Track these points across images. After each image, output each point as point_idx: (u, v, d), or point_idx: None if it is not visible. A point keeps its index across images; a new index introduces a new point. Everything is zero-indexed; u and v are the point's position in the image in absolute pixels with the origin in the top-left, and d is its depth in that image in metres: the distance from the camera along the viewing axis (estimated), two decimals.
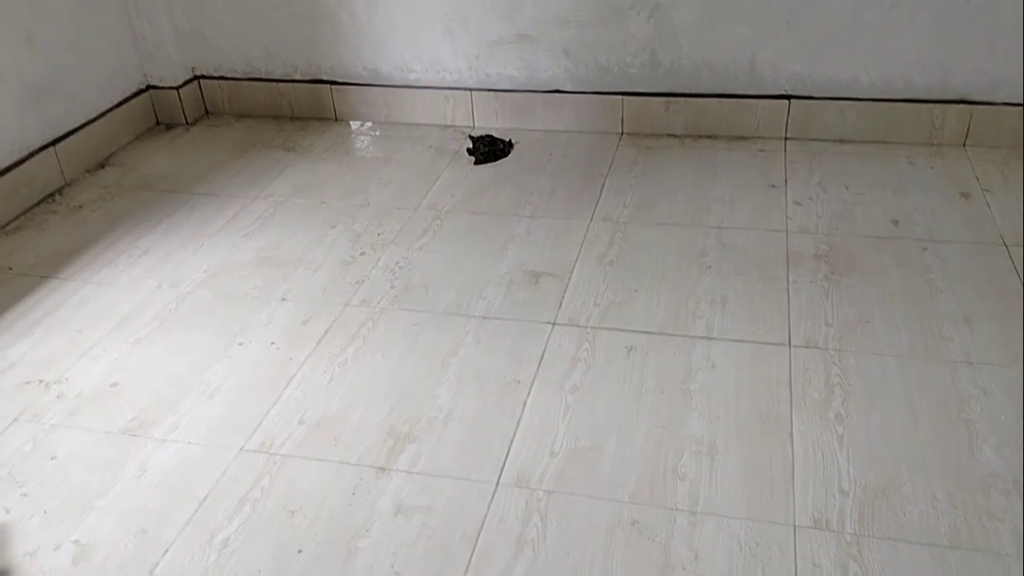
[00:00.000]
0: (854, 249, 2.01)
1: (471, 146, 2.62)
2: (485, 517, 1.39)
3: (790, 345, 1.72)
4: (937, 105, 2.41)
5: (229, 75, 2.89)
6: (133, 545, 1.37)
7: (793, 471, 1.43)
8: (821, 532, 1.32)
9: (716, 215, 2.19)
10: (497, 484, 1.44)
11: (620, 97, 2.62)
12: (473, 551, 1.33)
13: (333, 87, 2.82)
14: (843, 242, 2.04)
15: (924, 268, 1.93)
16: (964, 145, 2.43)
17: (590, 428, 1.55)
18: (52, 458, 1.55)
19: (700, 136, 2.60)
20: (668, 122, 2.61)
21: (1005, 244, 1.99)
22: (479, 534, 1.36)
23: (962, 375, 1.61)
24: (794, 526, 1.34)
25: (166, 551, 1.36)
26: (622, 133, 2.65)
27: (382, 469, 1.49)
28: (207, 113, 2.95)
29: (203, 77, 2.91)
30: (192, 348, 1.82)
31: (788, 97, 2.50)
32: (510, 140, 2.65)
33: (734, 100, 2.54)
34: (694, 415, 1.56)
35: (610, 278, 1.96)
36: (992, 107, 2.38)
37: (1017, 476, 1.39)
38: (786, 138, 2.54)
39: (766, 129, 2.55)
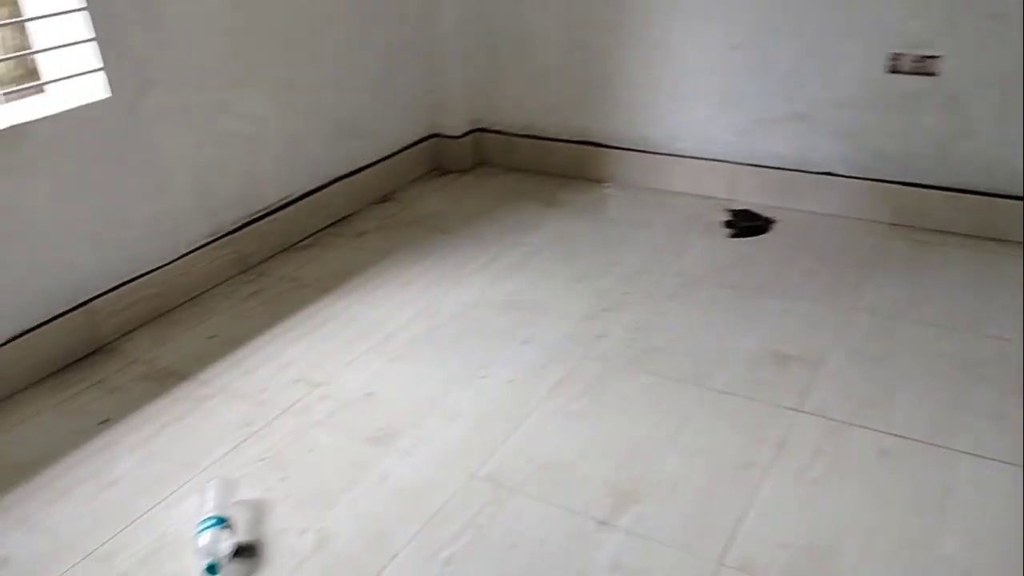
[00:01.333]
0: None
1: (729, 219, 2.59)
2: None
3: None
4: None
5: (506, 130, 3.09)
6: (367, 544, 1.47)
7: None
8: None
9: (999, 325, 1.99)
10: (720, 564, 1.39)
11: (899, 187, 2.47)
12: None
13: (600, 149, 2.92)
14: None
15: None
16: None
17: (829, 527, 1.45)
18: (310, 451, 1.71)
19: (987, 238, 2.38)
20: (950, 219, 2.43)
21: None
22: None
23: None
24: None
25: (395, 556, 1.44)
26: (896, 224, 2.50)
27: (603, 523, 1.48)
28: (481, 163, 3.17)
29: (482, 130, 3.13)
30: (440, 373, 1.93)
31: None
32: (770, 217, 2.59)
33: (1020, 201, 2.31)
34: (949, 536, 1.41)
35: (867, 373, 1.84)
36: None
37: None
38: None
39: None
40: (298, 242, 2.62)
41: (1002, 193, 2.35)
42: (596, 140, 2.93)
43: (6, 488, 1.65)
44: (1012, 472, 1.54)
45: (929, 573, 1.35)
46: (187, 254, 2.29)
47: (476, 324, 2.13)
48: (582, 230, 2.61)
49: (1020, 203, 2.32)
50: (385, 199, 2.91)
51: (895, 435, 1.65)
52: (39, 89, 2.01)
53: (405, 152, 3.01)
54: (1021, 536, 1.40)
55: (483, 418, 1.78)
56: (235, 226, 2.42)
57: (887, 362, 1.88)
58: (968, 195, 2.39)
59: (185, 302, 2.29)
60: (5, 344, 1.91)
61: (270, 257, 2.52)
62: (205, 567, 1.39)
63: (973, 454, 1.59)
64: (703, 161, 2.76)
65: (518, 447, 1.69)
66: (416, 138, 3.06)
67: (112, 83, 2.01)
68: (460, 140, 3.09)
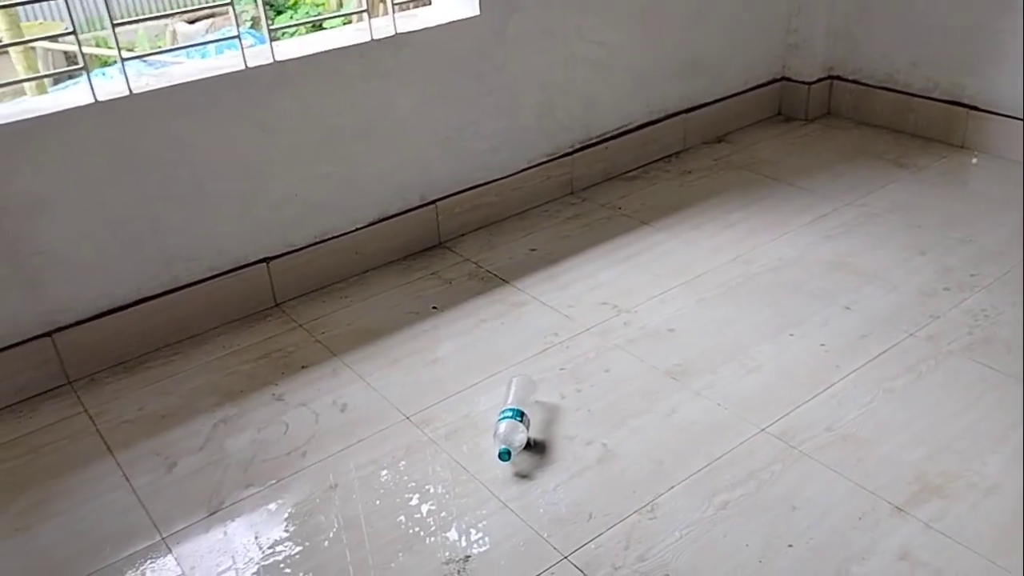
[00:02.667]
0: None
1: None
2: None
3: None
4: None
5: (863, 80, 2.85)
6: (646, 469, 1.51)
7: None
8: None
9: None
10: None
11: None
12: None
13: (971, 112, 2.60)
14: None
15: None
16: None
17: None
18: (606, 371, 1.78)
19: None
20: None
21: None
22: None
23: None
24: None
25: (671, 487, 1.47)
26: None
27: (899, 509, 1.38)
28: (828, 114, 2.97)
29: (837, 78, 2.92)
30: (746, 322, 1.90)
31: None
32: None
33: None
34: None
35: None
36: None
37: None
38: None
39: None
40: (625, 172, 2.67)
41: None
42: (970, 102, 2.60)
43: (354, 347, 1.92)
44: None
45: None
46: (524, 170, 2.44)
47: (794, 280, 2.04)
48: (932, 199, 2.36)
49: None
50: (720, 140, 2.85)
51: None
52: (427, 2, 2.24)
53: (748, 94, 2.90)
54: None
55: (785, 375, 1.72)
56: (571, 149, 2.53)
57: None
58: None
59: (514, 215, 2.46)
60: (369, 227, 2.20)
61: (597, 183, 2.61)
62: (500, 451, 1.53)
63: None
64: None
65: (818, 412, 1.61)
66: (762, 80, 2.93)
67: (482, 2, 2.17)
68: (811, 87, 2.91)
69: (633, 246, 2.25)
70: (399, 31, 2.08)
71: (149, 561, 1.41)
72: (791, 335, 1.84)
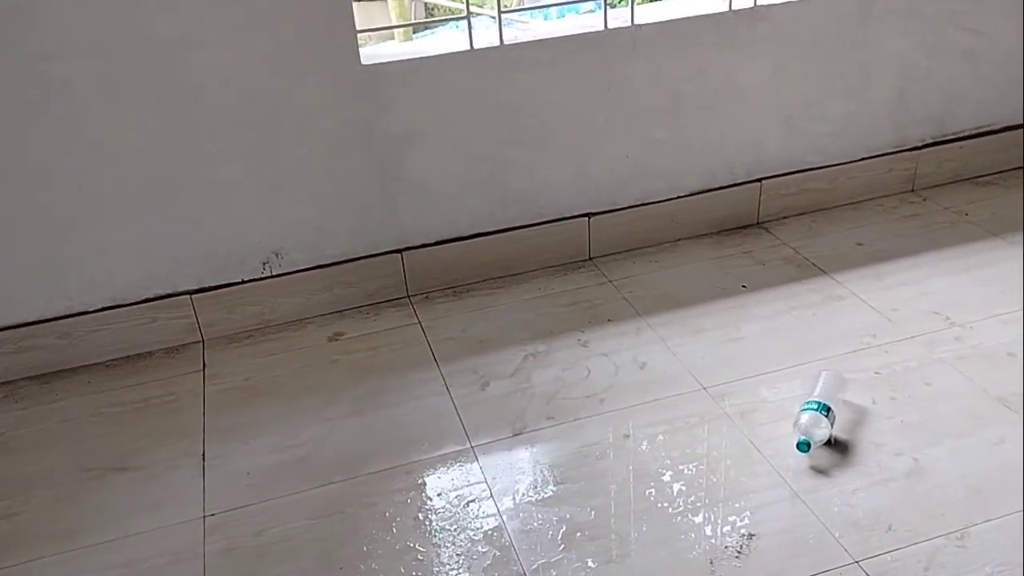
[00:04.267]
0: None
1: None
2: None
3: None
4: None
5: None
6: (961, 495, 1.40)
7: None
8: None
9: None
10: None
11: None
12: None
13: None
14: None
15: None
16: None
17: None
18: (927, 384, 1.66)
19: None
20: None
21: None
22: None
23: None
24: None
25: (988, 520, 1.35)
26: None
27: None
28: None
29: None
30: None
31: None
32: None
33: None
34: None
35: None
36: None
37: None
38: None
39: None
40: (979, 176, 2.42)
41: None
42: None
43: (658, 311, 1.97)
44: None
45: None
46: (864, 159, 2.31)
47: None
48: None
49: None
50: None
51: None
52: None
53: None
54: None
55: None
56: (920, 143, 2.34)
57: None
58: None
59: (844, 205, 2.34)
60: (690, 196, 2.22)
61: (944, 184, 2.39)
62: (798, 441, 1.50)
63: None
64: None
65: None
66: None
67: None
68: None
69: (977, 256, 2.05)
70: (759, 3, 2.04)
71: (458, 464, 1.57)
72: None
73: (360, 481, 1.55)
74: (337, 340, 1.96)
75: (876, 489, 1.43)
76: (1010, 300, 1.88)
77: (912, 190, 2.38)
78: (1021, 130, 2.40)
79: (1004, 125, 2.38)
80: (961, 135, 2.36)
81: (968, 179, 2.41)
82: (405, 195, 2.01)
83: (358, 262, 2.03)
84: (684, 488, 1.47)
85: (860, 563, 1.30)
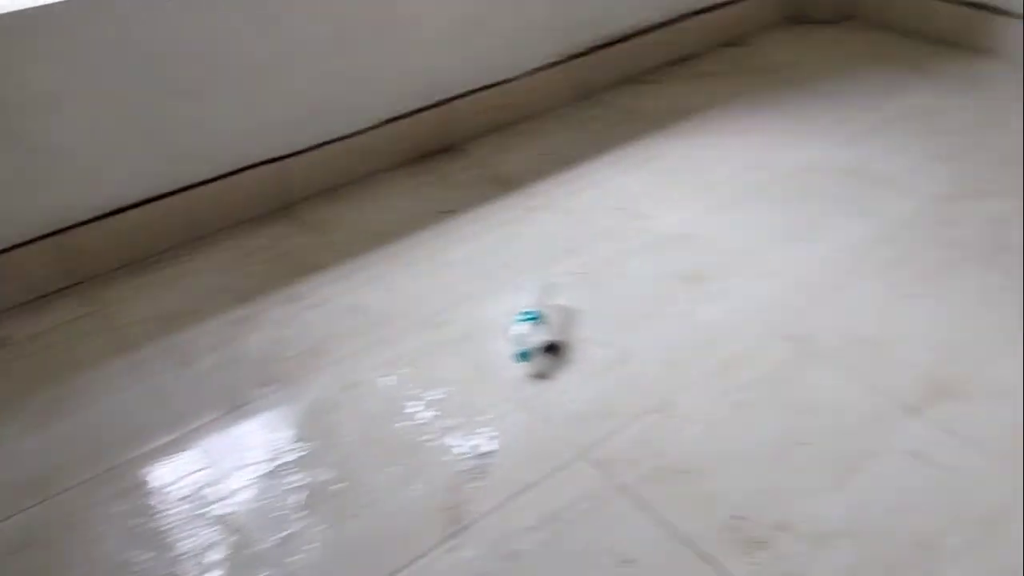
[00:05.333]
0: None
1: None
2: (1011, 507, 1.23)
3: None
4: None
5: None
6: (662, 369, 1.53)
7: None
8: None
9: None
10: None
11: None
12: (984, 533, 1.20)
13: (991, 15, 2.52)
14: None
15: None
16: None
17: None
18: (621, 275, 1.78)
19: None
20: None
21: None
22: (999, 520, 1.22)
23: None
24: None
25: (687, 387, 1.48)
26: None
27: (912, 410, 1.40)
28: (849, 17, 2.88)
29: None
30: (762, 228, 1.88)
31: None
32: None
33: None
34: None
35: None
36: None
37: None
38: None
39: None
40: (641, 76, 2.60)
41: None
42: (990, 3, 2.52)
43: (366, 250, 1.91)
44: None
45: None
46: (538, 70, 2.38)
47: (811, 186, 2.02)
48: (952, 105, 2.31)
49: None
50: (736, 43, 2.77)
51: None
52: None
53: None
54: None
55: (801, 280, 1.72)
56: (584, 49, 2.46)
57: None
58: None
59: (528, 118, 2.41)
60: (379, 127, 2.15)
61: (612, 87, 2.55)
62: (518, 353, 1.54)
63: None
64: None
65: (833, 317, 1.62)
66: None
67: None
68: None
69: (648, 151, 2.22)
70: None
71: (172, 456, 1.43)
72: (808, 240, 1.83)
73: (58, 501, 1.36)
74: (2, 347, 1.68)
75: (591, 382, 1.51)
76: (679, 187, 2.06)
77: (587, 96, 2.50)
78: (666, 27, 2.60)
79: (653, 23, 2.57)
80: (620, 38, 2.51)
81: (633, 80, 2.58)
82: (50, 169, 1.74)
83: (7, 254, 1.74)
84: (420, 422, 1.46)
85: (585, 454, 1.37)
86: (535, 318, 1.58)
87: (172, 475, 1.39)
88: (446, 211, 2.03)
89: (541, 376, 1.54)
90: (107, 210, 1.84)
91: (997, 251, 1.75)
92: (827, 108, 2.34)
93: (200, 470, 1.40)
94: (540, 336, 1.56)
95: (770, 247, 1.82)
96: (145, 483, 1.38)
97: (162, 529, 1.30)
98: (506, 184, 2.12)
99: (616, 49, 2.51)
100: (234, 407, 1.51)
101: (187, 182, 1.92)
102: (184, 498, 1.35)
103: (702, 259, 1.80)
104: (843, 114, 2.30)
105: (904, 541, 1.21)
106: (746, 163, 2.13)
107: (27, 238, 1.76)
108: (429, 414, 1.47)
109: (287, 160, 2.04)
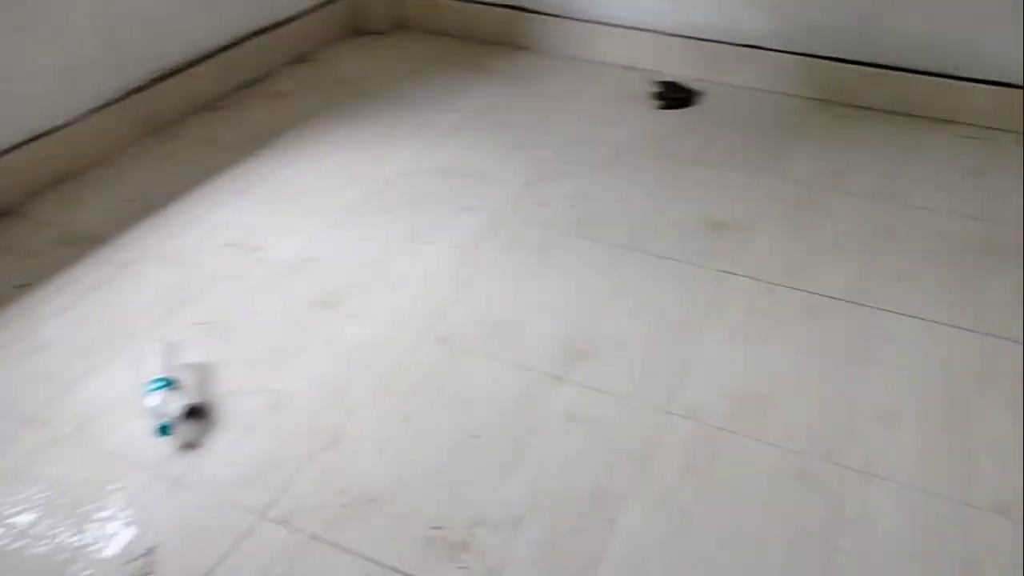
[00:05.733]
0: None
1: (657, 90, 2.59)
2: (654, 439, 1.41)
3: (980, 333, 1.64)
4: None
5: None
6: (323, 403, 1.46)
7: (971, 455, 1.39)
8: (1000, 517, 1.28)
9: (911, 195, 2.10)
10: (668, 412, 1.46)
11: (824, 62, 2.52)
12: (640, 467, 1.36)
13: (527, 15, 2.84)
14: None
15: None
16: None
17: (764, 377, 1.54)
18: (252, 315, 1.67)
19: (903, 113, 2.48)
20: (868, 93, 2.50)
21: None
22: (648, 453, 1.38)
23: None
24: (972, 506, 1.30)
25: (353, 413, 1.44)
26: (819, 99, 2.56)
27: (557, 378, 1.53)
28: (402, 27, 3.03)
29: None
30: (380, 239, 1.90)
31: (1003, 84, 2.35)
32: (697, 89, 2.61)
33: (949, 81, 2.41)
34: (873, 383, 1.53)
35: (794, 239, 1.92)
36: None
37: None
38: (995, 128, 2.39)
39: (981, 117, 2.40)
40: (212, 102, 2.45)
41: (919, 69, 2.43)
42: (523, 5, 2.84)
43: None
44: (925, 327, 1.66)
45: (855, 413, 1.46)
46: (95, 111, 2.11)
47: (414, 190, 2.08)
48: (514, 99, 2.55)
49: (937, 79, 2.42)
50: (304, 59, 2.75)
51: (822, 295, 1.75)
52: None
53: (321, 10, 2.83)
54: (937, 381, 1.53)
55: (431, 282, 1.77)
56: (144, 82, 2.24)
57: (813, 229, 1.96)
58: (888, 71, 2.46)
59: (95, 164, 2.13)
60: None
61: (182, 118, 2.36)
62: (158, 428, 1.36)
63: (892, 311, 1.70)
64: (633, 31, 2.72)
65: (468, 309, 1.69)
66: None
67: None
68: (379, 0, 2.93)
69: (242, 180, 2.10)
70: None
71: None
72: (426, 242, 1.89)
73: None
74: None
75: (249, 437, 1.40)
76: (286, 211, 1.99)
77: (156, 131, 2.29)
78: (228, 51, 2.48)
79: (213, 48, 2.44)
80: (180, 66, 2.34)
81: (205, 108, 2.42)
82: None
83: None
84: (63, 539, 1.21)
85: (266, 514, 1.26)
86: (167, 384, 1.42)
87: None
88: (21, 285, 1.72)
89: (190, 446, 1.38)
90: None
91: (584, 221, 1.98)
92: (408, 114, 2.43)
93: None
94: (178, 402, 1.39)
95: (393, 255, 1.84)
96: None
97: None
98: (88, 241, 1.85)
99: (180, 78, 2.34)
100: None
101: None
102: None
103: (330, 280, 1.76)
104: (424, 118, 2.42)
105: (582, 498, 1.31)
106: (346, 177, 2.12)
107: None
108: (74, 527, 1.24)
109: None
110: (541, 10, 2.82)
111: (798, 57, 2.55)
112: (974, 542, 1.25)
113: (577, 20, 2.78)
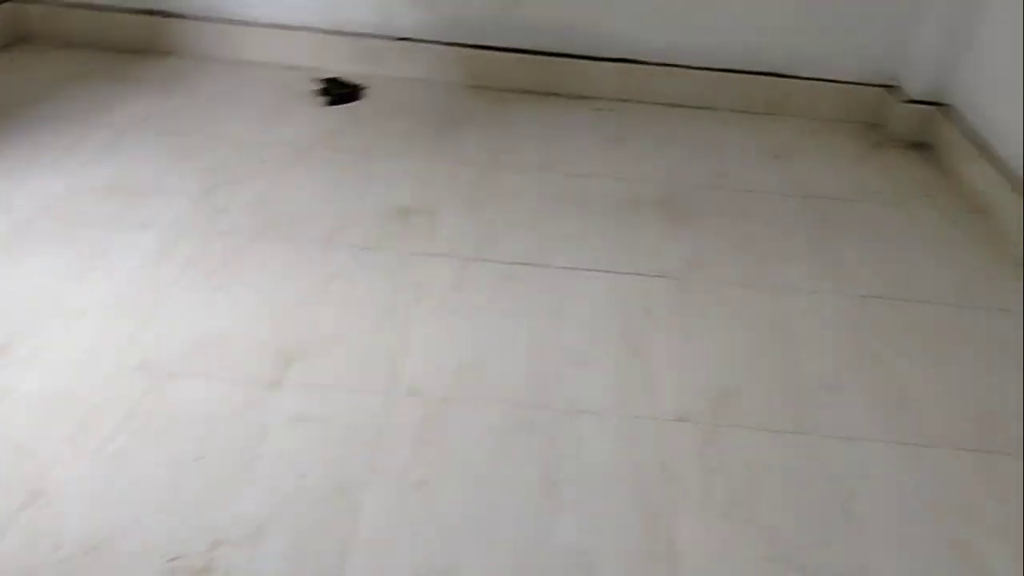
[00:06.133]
0: (688, 197, 2.24)
1: (321, 87, 2.60)
2: (383, 423, 1.44)
3: (643, 275, 1.90)
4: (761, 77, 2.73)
5: (49, 0, 2.66)
6: (15, 459, 1.29)
7: (653, 375, 1.61)
8: (682, 424, 1.51)
9: (567, 165, 2.34)
10: (391, 395, 1.50)
11: (474, 50, 2.71)
12: (374, 452, 1.38)
13: (168, 19, 2.68)
14: (677, 190, 2.26)
15: (743, 212, 2.19)
16: (780, 114, 2.76)
17: (475, 345, 1.64)
18: None
19: (550, 93, 2.74)
20: (518, 77, 2.74)
21: (805, 196, 2.30)
22: (379, 437, 1.41)
23: (788, 302, 1.87)
24: (658, 419, 1.51)
25: (55, 463, 1.29)
26: (475, 86, 2.74)
27: (274, 384, 1.50)
28: (22, 40, 2.70)
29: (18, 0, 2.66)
30: (47, 272, 1.70)
31: (627, 61, 2.71)
32: (360, 84, 2.66)
33: (584, 61, 2.71)
34: (566, 332, 1.70)
35: (478, 216, 2.06)
36: (806, 81, 2.71)
37: None
38: (625, 100, 2.74)
39: (613, 91, 2.73)
40: None
41: (553, 52, 2.71)
42: (163, 9, 2.68)
43: None
44: (597, 276, 1.88)
45: (557, 359, 1.62)
46: None
47: (76, 214, 1.89)
48: (169, 107, 2.41)
49: (569, 60, 2.71)
50: None
51: (511, 263, 1.90)
52: None
53: None
54: (615, 320, 1.74)
55: (112, 310, 1.63)
56: None
57: (491, 205, 2.11)
58: (529, 55, 2.71)
59: None
60: None
61: None
62: None
63: (570, 268, 1.90)
64: (285, 29, 2.70)
65: (163, 331, 1.59)
66: None
67: None
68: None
69: None
70: None
71: None
72: (101, 268, 1.73)
73: None
74: None
75: None
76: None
77: None
78: None
79: None
80: None
81: None
82: None
83: None
84: None
85: None
86: None
87: None
88: None
89: None
90: None
91: (273, 222, 1.94)
92: (50, 135, 2.19)
93: None
94: None
95: (66, 288, 1.67)
96: None
97: None
98: None
99: None
100: None
101: None
102: None
103: (5, 329, 1.55)
104: (75, 134, 2.19)
105: (322, 495, 1.31)
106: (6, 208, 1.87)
107: None
108: None
109: None
110: (184, 13, 2.68)
111: (451, 47, 2.71)
112: (665, 449, 1.46)
113: (226, 22, 2.69)
